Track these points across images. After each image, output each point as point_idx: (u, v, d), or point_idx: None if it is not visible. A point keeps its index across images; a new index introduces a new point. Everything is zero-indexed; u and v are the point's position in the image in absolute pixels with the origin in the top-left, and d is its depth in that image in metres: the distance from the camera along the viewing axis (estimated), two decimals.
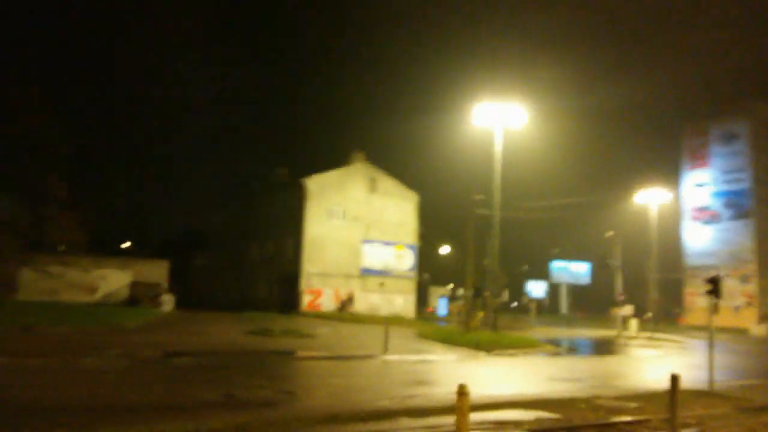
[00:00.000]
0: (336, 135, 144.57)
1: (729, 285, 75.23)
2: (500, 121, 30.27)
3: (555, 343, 32.92)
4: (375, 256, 48.51)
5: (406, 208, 50.89)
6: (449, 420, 8.96)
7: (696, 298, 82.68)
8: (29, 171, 29.17)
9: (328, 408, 9.08)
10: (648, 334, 44.96)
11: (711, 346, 15.90)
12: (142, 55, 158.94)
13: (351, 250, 47.51)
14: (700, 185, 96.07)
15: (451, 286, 45.22)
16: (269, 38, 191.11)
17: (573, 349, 31.72)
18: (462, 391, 5.64)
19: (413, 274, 50.88)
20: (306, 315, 41.71)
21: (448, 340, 27.51)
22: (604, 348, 33.13)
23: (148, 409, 9.72)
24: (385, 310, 46.52)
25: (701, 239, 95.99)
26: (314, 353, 20.51)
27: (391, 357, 20.40)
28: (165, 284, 43.30)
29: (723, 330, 58.68)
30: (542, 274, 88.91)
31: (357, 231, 48.01)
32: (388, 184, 50.28)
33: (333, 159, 51.52)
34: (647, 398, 13.49)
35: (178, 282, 46.44)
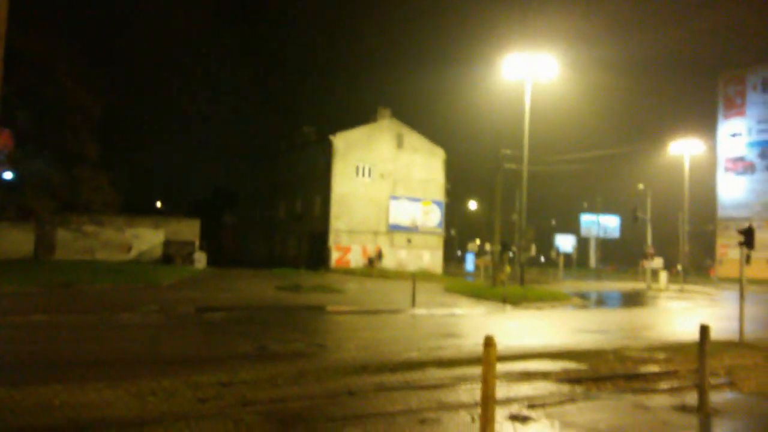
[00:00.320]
0: (362, 91, 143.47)
1: (762, 236, 73.84)
2: (530, 73, 29.69)
3: (583, 296, 32.98)
4: (402, 213, 48.68)
5: (433, 164, 50.68)
6: (476, 371, 9.17)
7: (728, 250, 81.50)
8: (62, 132, 29.68)
9: (357, 360, 9.35)
10: (678, 286, 44.68)
11: (742, 297, 15.79)
12: (170, 18, 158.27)
13: (378, 206, 47.73)
14: (735, 135, 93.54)
15: (478, 241, 45.27)
16: None
17: (601, 302, 31.76)
18: (488, 343, 5.77)
19: (441, 230, 51.01)
20: (335, 271, 42.35)
21: (476, 294, 27.78)
22: (632, 301, 33.07)
23: (183, 362, 10.09)
24: (412, 266, 46.94)
25: (735, 191, 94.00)
26: (344, 308, 20.94)
27: (419, 311, 20.72)
28: (197, 242, 44.23)
29: (755, 282, 57.90)
30: (571, 227, 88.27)
31: (384, 188, 48.10)
32: (415, 140, 49.99)
33: (359, 116, 51.31)
34: (676, 349, 13.54)
35: (208, 240, 47.37)
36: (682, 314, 25.33)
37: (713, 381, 9.23)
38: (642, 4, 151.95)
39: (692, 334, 9.76)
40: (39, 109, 29.40)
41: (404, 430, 6.33)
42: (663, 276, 44.74)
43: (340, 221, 45.87)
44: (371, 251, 46.48)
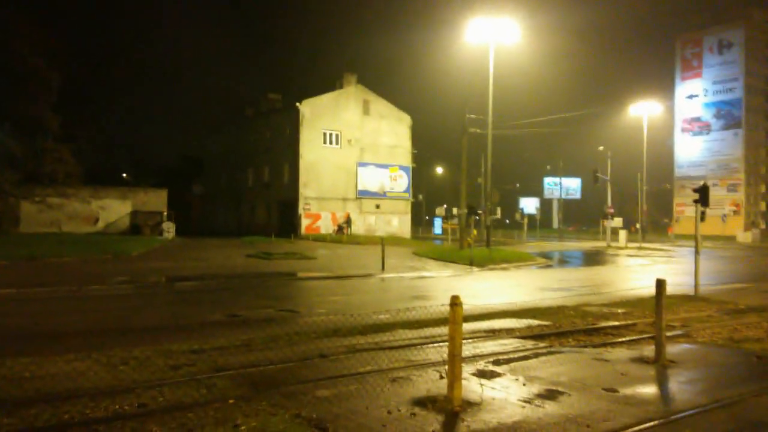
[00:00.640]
0: (327, 58, 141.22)
1: (717, 194, 76.46)
2: (493, 37, 29.74)
3: (546, 256, 33.79)
4: (370, 179, 48.71)
5: (399, 130, 50.63)
6: (444, 330, 9.44)
7: (684, 209, 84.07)
8: (21, 102, 28.65)
9: (329, 323, 9.53)
10: (637, 244, 46.03)
11: (697, 252, 16.43)
12: None
13: (347, 173, 47.64)
14: (692, 96, 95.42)
15: (445, 206, 45.68)
16: None
17: (564, 261, 32.61)
18: (455, 302, 5.96)
19: (408, 195, 51.28)
20: (305, 238, 42.37)
21: (443, 257, 28.22)
22: (593, 259, 34.02)
23: (154, 331, 10.12)
24: (381, 231, 47.24)
25: (691, 150, 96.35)
26: (314, 274, 21.09)
27: (388, 275, 21.02)
28: (165, 212, 43.64)
29: (711, 238, 60.02)
30: (535, 190, 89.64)
31: (352, 154, 47.96)
32: (381, 106, 49.75)
33: (325, 83, 50.73)
34: (634, 304, 14.10)
35: (177, 210, 46.76)
36: (640, 271, 26.21)
37: (669, 333, 9.69)
38: None
39: (650, 289, 10.20)
40: None
41: (375, 389, 6.54)
42: (622, 235, 46.03)
43: (308, 188, 45.69)
44: (341, 218, 46.56)
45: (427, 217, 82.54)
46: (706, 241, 45.97)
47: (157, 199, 45.31)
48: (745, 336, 10.61)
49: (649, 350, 8.64)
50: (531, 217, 63.41)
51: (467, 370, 7.30)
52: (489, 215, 32.16)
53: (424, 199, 77.39)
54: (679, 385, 7.23)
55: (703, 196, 15.82)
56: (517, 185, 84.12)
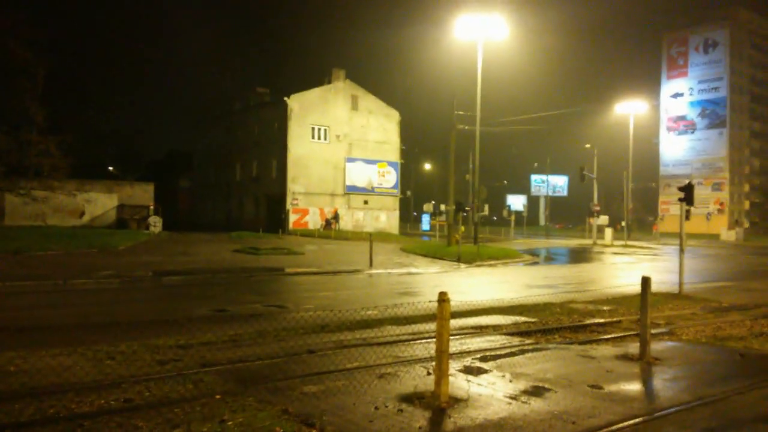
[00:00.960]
0: (316, 53, 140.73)
1: (701, 192, 77.34)
2: (482, 33, 29.79)
3: (533, 253, 33.99)
4: (359, 175, 48.67)
5: (388, 126, 50.61)
6: (432, 326, 9.48)
7: (669, 207, 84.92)
8: (4, 94, 28.27)
9: (317, 319, 9.52)
10: (622, 242, 46.42)
11: (681, 251, 16.60)
12: None
13: (335, 168, 47.57)
14: (677, 95, 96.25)
15: (433, 202, 45.80)
16: None
17: (550, 258, 32.82)
18: (442, 299, 5.98)
19: (397, 191, 51.32)
20: (293, 234, 42.28)
21: (431, 253, 28.30)
22: (579, 256, 34.27)
23: (141, 326, 10.04)
24: (370, 227, 47.25)
25: (676, 149, 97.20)
26: (302, 269, 21.05)
27: (376, 271, 21.04)
28: (152, 206, 43.33)
29: (695, 236, 60.68)
30: (522, 187, 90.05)
31: (340, 150, 47.90)
32: (370, 102, 49.70)
33: (314, 78, 50.54)
34: (619, 301, 14.22)
35: (164, 204, 46.45)
36: (625, 268, 26.44)
37: (654, 331, 9.79)
38: None
39: (635, 287, 10.28)
40: None
41: (363, 385, 6.55)
42: (608, 232, 46.40)
43: (297, 183, 45.57)
44: (329, 213, 46.50)
45: (415, 214, 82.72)
46: (691, 239, 46.49)
47: (143, 193, 44.97)
48: (728, 334, 10.75)
49: (634, 347, 8.72)
50: (518, 214, 63.74)
51: (454, 366, 7.33)
52: (477, 212, 32.27)
53: (413, 195, 77.50)
54: (663, 382, 7.31)
55: (687, 194, 15.97)
56: (505, 182, 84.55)
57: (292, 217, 45.21)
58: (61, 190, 32.67)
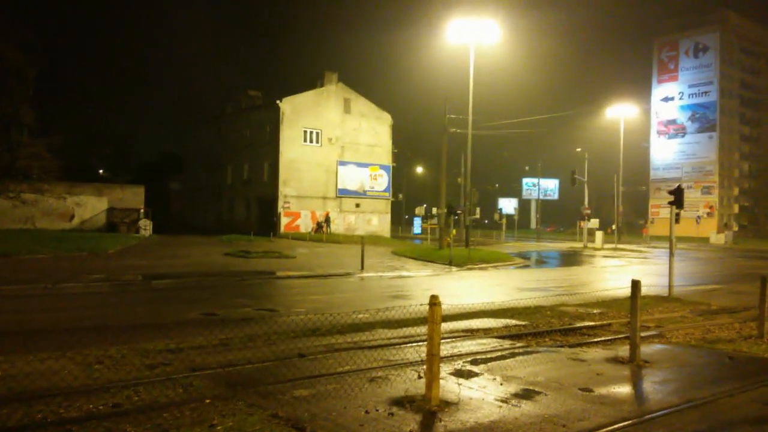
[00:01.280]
0: (308, 56, 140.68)
1: (691, 196, 77.89)
2: (474, 37, 29.91)
3: (524, 256, 34.09)
4: (351, 178, 48.65)
5: (380, 129, 50.64)
6: (423, 330, 9.47)
7: (659, 210, 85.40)
8: None
9: (308, 323, 9.49)
10: (613, 245, 46.66)
11: (671, 254, 16.69)
12: None
13: (327, 171, 47.53)
14: (667, 99, 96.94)
15: (425, 205, 45.88)
16: None
17: (541, 261, 32.93)
18: (433, 302, 5.98)
19: (388, 194, 51.33)
20: (284, 237, 42.18)
21: (423, 256, 28.32)
22: (570, 259, 34.39)
23: (130, 329, 9.97)
24: (361, 230, 47.20)
25: (666, 153, 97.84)
26: (294, 273, 21.00)
27: (368, 274, 21.02)
28: (142, 209, 43.11)
29: (685, 239, 61.04)
30: (513, 190, 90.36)
31: (332, 153, 47.87)
32: (362, 105, 49.71)
33: (306, 81, 50.56)
34: (609, 304, 14.28)
35: (154, 207, 46.19)
36: (616, 271, 26.56)
37: (644, 333, 9.84)
38: None
39: (625, 290, 10.34)
40: None
41: (353, 389, 6.53)
42: (599, 235, 46.62)
43: (288, 186, 45.49)
44: (320, 216, 46.44)
45: (406, 217, 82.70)
46: (681, 242, 46.75)
47: (134, 196, 44.73)
48: (717, 337, 10.82)
49: (624, 350, 8.76)
50: (509, 217, 63.91)
51: (445, 369, 7.33)
52: (468, 215, 32.33)
53: (404, 198, 77.56)
54: (653, 385, 7.34)
55: (677, 198, 16.07)
56: (497, 185, 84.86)
57: (284, 221, 45.11)
58: (51, 193, 32.47)
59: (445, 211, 31.32)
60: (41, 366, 7.17)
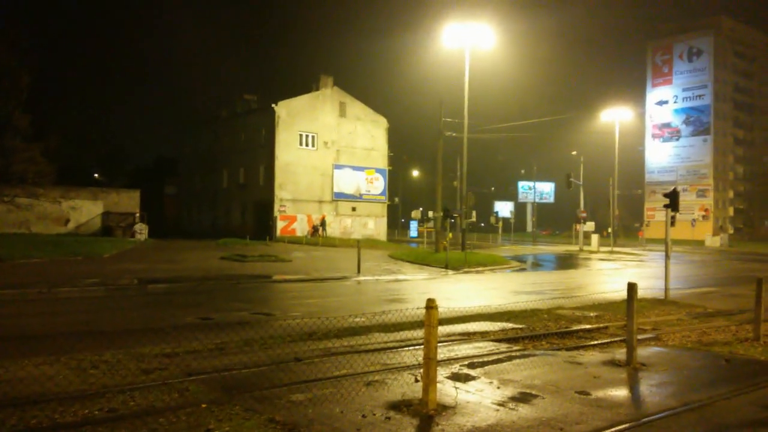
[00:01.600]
0: (304, 59, 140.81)
1: (686, 199, 78.16)
2: (469, 41, 29.98)
3: (520, 259, 34.13)
4: (346, 181, 48.65)
5: (376, 133, 50.68)
6: (419, 333, 9.47)
7: (655, 213, 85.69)
8: None
9: (304, 327, 9.46)
10: (608, 248, 46.75)
11: (667, 257, 16.73)
12: None
13: (323, 175, 47.53)
14: (661, 103, 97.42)
15: (421, 209, 45.90)
16: None
17: (537, 264, 32.96)
18: (430, 305, 5.97)
19: (384, 197, 51.34)
20: (280, 240, 42.11)
21: (419, 260, 28.30)
22: (566, 263, 34.43)
23: (126, 334, 9.93)
24: (357, 234, 47.19)
25: (661, 156, 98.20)
26: (290, 276, 20.96)
27: (364, 278, 20.99)
28: (138, 214, 43.02)
29: (680, 242, 61.22)
30: (509, 193, 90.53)
31: (328, 156, 47.88)
32: (357, 108, 49.75)
33: (302, 84, 50.58)
34: (606, 307, 14.29)
35: (150, 211, 46.09)
36: (612, 274, 26.60)
37: (641, 336, 9.84)
38: None
39: (621, 293, 10.33)
40: None
41: (350, 393, 6.51)
42: (594, 239, 46.73)
43: (284, 190, 45.46)
44: (316, 220, 46.40)
45: (403, 220, 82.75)
46: (676, 245, 46.88)
47: (129, 200, 44.63)
48: (713, 339, 10.83)
49: (620, 353, 8.76)
50: (505, 220, 63.97)
51: (442, 373, 7.31)
52: (464, 218, 32.34)
53: (401, 201, 77.57)
54: (649, 388, 7.34)
55: (673, 201, 16.10)
56: (492, 189, 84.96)
57: (280, 224, 45.06)
58: (46, 197, 32.38)
59: (442, 214, 31.32)
60: (36, 371, 7.13)
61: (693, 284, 21.92)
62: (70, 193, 41.34)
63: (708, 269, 31.54)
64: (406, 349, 9.05)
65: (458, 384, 6.97)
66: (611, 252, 43.85)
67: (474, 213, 36.26)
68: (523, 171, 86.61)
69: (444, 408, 6.03)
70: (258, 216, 47.29)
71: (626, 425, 5.80)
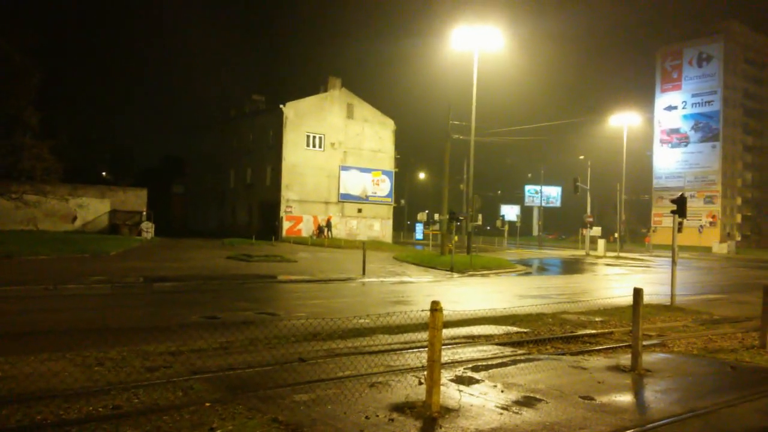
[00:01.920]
0: (313, 61, 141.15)
1: (694, 205, 77.89)
2: (478, 44, 29.98)
3: (526, 263, 34.04)
4: (353, 183, 48.68)
5: (383, 135, 50.71)
6: (424, 335, 9.46)
7: (662, 219, 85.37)
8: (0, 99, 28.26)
9: (308, 327, 9.46)
10: (615, 253, 46.57)
11: (674, 263, 16.64)
12: None
13: (329, 176, 47.59)
14: (670, 108, 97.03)
15: (427, 211, 45.88)
16: None
17: (543, 268, 32.86)
18: (435, 308, 5.96)
19: (391, 199, 51.33)
20: (286, 241, 42.17)
21: (424, 262, 28.28)
22: (572, 267, 34.31)
23: (131, 332, 9.96)
24: (363, 235, 47.20)
25: (669, 162, 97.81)
26: (295, 277, 20.99)
27: (369, 279, 20.98)
28: (144, 212, 43.20)
29: (687, 248, 60.91)
30: (516, 197, 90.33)
31: (335, 157, 47.94)
32: (365, 110, 49.80)
33: (310, 86, 50.70)
34: (611, 313, 14.23)
35: (157, 210, 46.29)
36: (618, 280, 26.49)
37: (646, 342, 9.79)
38: None
39: (627, 298, 10.30)
40: None
41: (354, 394, 6.51)
42: (601, 243, 46.56)
43: (291, 191, 45.54)
44: (322, 221, 46.45)
45: (408, 222, 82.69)
46: (683, 251, 46.65)
47: (136, 199, 44.83)
48: (719, 346, 10.77)
49: (625, 359, 8.72)
50: (511, 224, 63.87)
51: (446, 376, 7.30)
52: (470, 221, 32.30)
53: (407, 204, 77.58)
54: (654, 394, 7.30)
55: (680, 207, 16.03)
56: (499, 192, 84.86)
57: (286, 225, 45.13)
58: (53, 194, 32.57)
59: (447, 217, 31.28)
60: (41, 367, 7.16)
61: (699, 291, 21.80)
62: (78, 191, 41.56)
63: (715, 276, 31.36)
64: (410, 351, 9.04)
65: (462, 387, 6.96)
66: (618, 257, 43.68)
67: (480, 216, 36.22)
68: (530, 175, 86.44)
69: (447, 411, 6.02)
70: (264, 216, 47.39)
71: (631, 431, 5.77)
